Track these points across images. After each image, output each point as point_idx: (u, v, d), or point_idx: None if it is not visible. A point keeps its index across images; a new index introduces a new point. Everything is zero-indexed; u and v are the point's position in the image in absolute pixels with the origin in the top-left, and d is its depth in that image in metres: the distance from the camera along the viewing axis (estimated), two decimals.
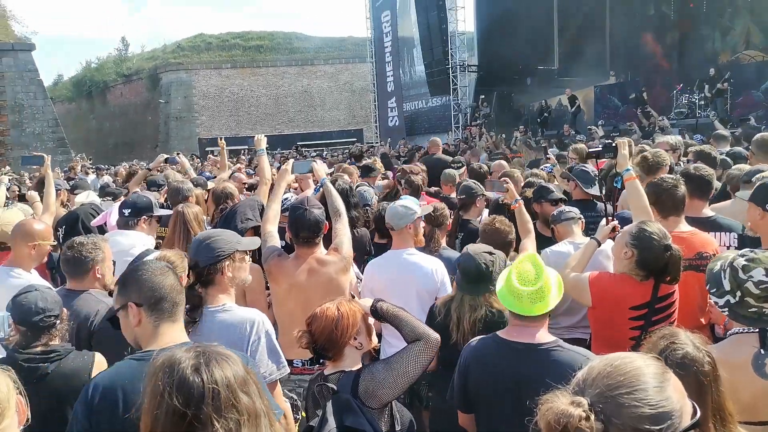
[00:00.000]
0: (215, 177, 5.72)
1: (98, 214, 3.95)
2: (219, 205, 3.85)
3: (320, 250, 2.93)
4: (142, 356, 1.77)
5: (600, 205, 4.26)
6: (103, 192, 5.93)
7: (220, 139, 6.00)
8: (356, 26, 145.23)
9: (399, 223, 3.18)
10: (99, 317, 2.53)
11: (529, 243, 3.45)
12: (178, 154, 6.83)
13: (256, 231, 3.18)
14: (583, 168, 4.32)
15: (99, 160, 23.79)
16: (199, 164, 15.40)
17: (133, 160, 20.25)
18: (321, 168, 3.58)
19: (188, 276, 2.24)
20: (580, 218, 3.54)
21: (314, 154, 17.42)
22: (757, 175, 3.45)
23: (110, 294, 2.82)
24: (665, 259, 2.52)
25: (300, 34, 39.76)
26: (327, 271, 2.86)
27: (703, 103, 15.64)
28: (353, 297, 2.09)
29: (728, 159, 4.76)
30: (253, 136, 4.39)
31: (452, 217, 4.39)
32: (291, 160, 3.78)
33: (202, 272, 2.20)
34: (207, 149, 28.74)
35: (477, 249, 2.69)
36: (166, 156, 5.98)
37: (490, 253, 2.66)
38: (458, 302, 2.62)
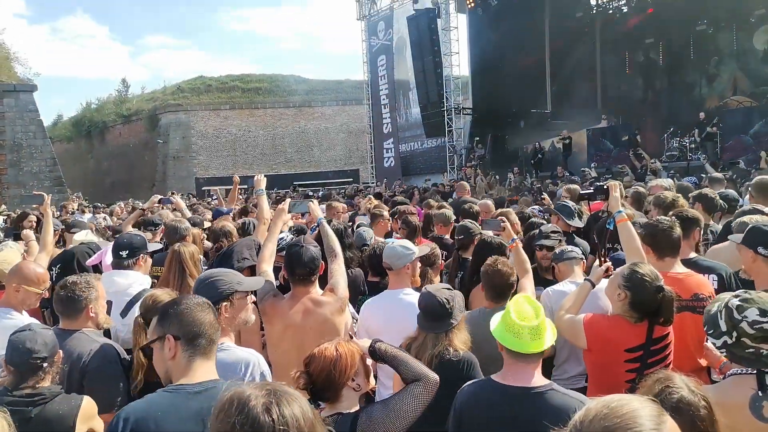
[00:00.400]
0: (231, 210, 5.64)
1: (94, 254, 3.95)
2: (216, 244, 3.86)
3: (316, 290, 2.92)
4: (175, 389, 1.76)
5: (578, 239, 4.32)
6: (108, 231, 5.78)
7: (235, 176, 5.99)
8: (353, 69, 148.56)
9: (397, 263, 3.18)
10: (91, 357, 2.50)
11: (528, 282, 3.42)
12: (172, 193, 6.79)
13: (253, 270, 3.18)
14: (564, 203, 4.39)
15: (96, 199, 23.85)
16: (194, 203, 15.45)
17: (129, 199, 20.27)
18: (317, 208, 3.60)
19: None
20: (581, 258, 3.55)
21: (321, 193, 17.51)
22: (742, 218, 3.49)
23: (105, 333, 2.79)
24: (658, 300, 2.53)
25: (298, 77, 40.55)
26: (322, 312, 2.83)
27: (693, 146, 15.93)
28: (351, 337, 2.07)
29: (722, 201, 4.81)
30: (252, 176, 4.43)
31: (451, 256, 4.41)
32: (288, 200, 3.81)
33: None
34: (204, 188, 28.92)
35: (436, 287, 2.70)
36: (159, 197, 6.00)
37: (449, 290, 2.68)
38: (420, 341, 2.60)
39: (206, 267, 3.88)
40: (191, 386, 1.75)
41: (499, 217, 4.06)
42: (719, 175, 7.22)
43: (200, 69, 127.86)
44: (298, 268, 2.85)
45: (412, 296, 3.14)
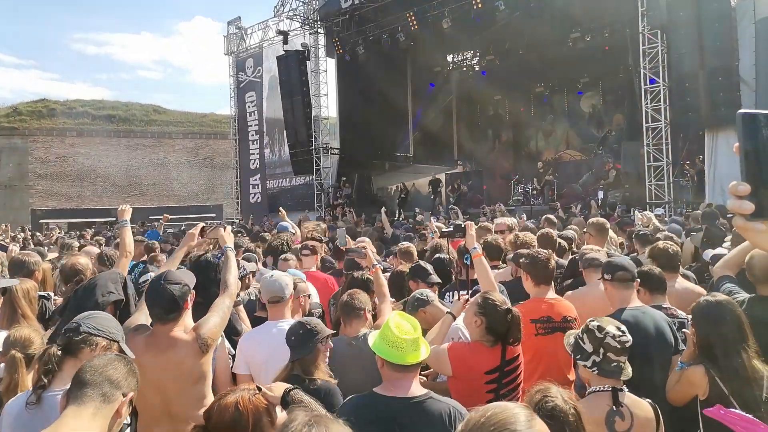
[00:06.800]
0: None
1: None
2: (71, 280, 3.53)
3: (182, 327, 2.70)
4: None
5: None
6: None
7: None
8: (218, 103, 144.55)
9: (274, 295, 3.19)
10: None
11: (386, 306, 3.55)
12: None
13: (117, 305, 2.98)
14: (420, 265, 4.22)
15: None
16: (30, 237, 13.94)
17: None
18: (227, 235, 3.35)
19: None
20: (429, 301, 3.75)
21: (183, 228, 16.50)
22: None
23: None
24: (508, 322, 2.83)
25: (158, 107, 38.54)
26: (176, 353, 2.62)
27: (535, 192, 17.89)
28: (260, 389, 1.94)
29: (562, 241, 5.54)
30: (101, 209, 4.13)
31: None
32: (200, 224, 3.56)
33: (75, 336, 2.04)
34: (41, 221, 25.93)
35: (296, 321, 2.84)
36: None
37: (305, 324, 2.76)
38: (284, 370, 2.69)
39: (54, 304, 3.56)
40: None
41: (360, 245, 4.24)
42: (553, 217, 8.18)
43: (44, 91, 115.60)
44: (155, 306, 2.70)
45: None
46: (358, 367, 2.90)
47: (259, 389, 1.88)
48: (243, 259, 4.53)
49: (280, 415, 1.82)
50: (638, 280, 3.35)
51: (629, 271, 3.27)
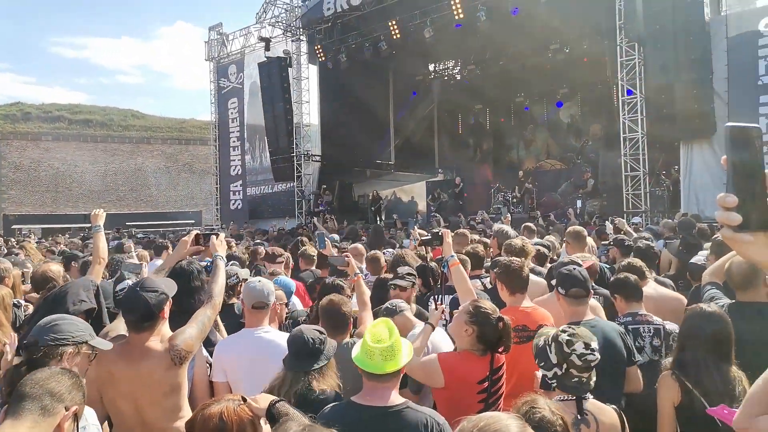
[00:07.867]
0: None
1: None
2: (43, 288, 3.42)
3: (158, 335, 2.61)
4: None
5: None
6: None
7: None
8: (198, 109, 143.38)
9: (257, 301, 3.11)
10: None
11: (366, 314, 3.50)
12: None
13: (89, 314, 2.88)
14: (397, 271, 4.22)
15: None
16: (3, 243, 13.61)
17: None
18: (219, 244, 3.20)
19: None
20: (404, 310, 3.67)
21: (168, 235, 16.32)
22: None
23: None
24: (500, 331, 2.79)
25: (137, 111, 38.07)
26: (149, 364, 2.53)
27: (515, 200, 18.03)
28: (245, 400, 1.84)
29: (542, 249, 5.54)
30: (76, 214, 4.03)
31: None
32: (194, 231, 3.44)
33: (35, 353, 1.94)
34: (14, 227, 25.35)
35: (308, 327, 2.66)
36: None
37: (321, 332, 2.64)
38: (281, 380, 2.53)
39: (29, 314, 3.44)
40: None
41: (344, 254, 4.22)
42: (532, 225, 8.20)
43: (19, 95, 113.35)
44: (127, 313, 2.62)
45: (271, 334, 3.09)
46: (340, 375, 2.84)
47: (244, 400, 1.82)
48: (234, 266, 4.46)
49: (265, 427, 1.77)
50: (591, 292, 3.36)
51: (584, 287, 3.25)
